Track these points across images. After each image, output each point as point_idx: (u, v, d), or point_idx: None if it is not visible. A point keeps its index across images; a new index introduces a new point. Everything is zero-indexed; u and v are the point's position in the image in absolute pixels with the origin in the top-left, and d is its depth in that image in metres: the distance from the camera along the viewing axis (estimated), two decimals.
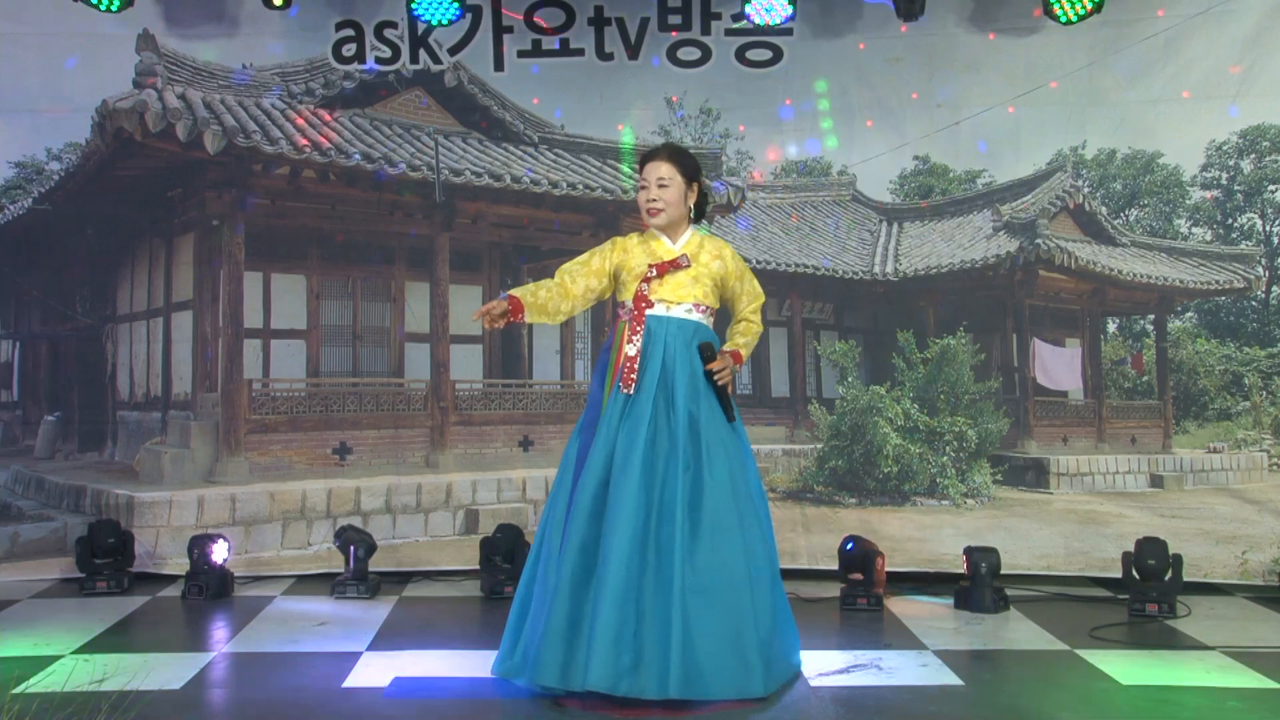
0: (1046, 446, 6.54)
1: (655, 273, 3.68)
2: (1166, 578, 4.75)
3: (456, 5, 5.40)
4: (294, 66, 6.13)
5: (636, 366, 3.61)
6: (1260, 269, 6.39)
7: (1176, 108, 5.72)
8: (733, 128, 6.11)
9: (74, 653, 4.09)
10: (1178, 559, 4.81)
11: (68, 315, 6.50)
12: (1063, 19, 5.31)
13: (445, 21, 5.44)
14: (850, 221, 6.93)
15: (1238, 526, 5.58)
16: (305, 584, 5.40)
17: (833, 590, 4.91)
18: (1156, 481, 6.20)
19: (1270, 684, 3.73)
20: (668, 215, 3.70)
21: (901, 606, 4.89)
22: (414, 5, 5.38)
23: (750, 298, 3.82)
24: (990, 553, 4.89)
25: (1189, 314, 6.76)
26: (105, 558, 5.22)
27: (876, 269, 6.81)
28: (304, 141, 6.02)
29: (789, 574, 4.28)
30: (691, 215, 3.78)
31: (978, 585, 4.83)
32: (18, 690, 3.51)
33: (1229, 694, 3.64)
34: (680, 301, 3.69)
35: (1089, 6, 5.24)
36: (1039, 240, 6.60)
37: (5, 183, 6.06)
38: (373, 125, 6.40)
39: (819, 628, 4.43)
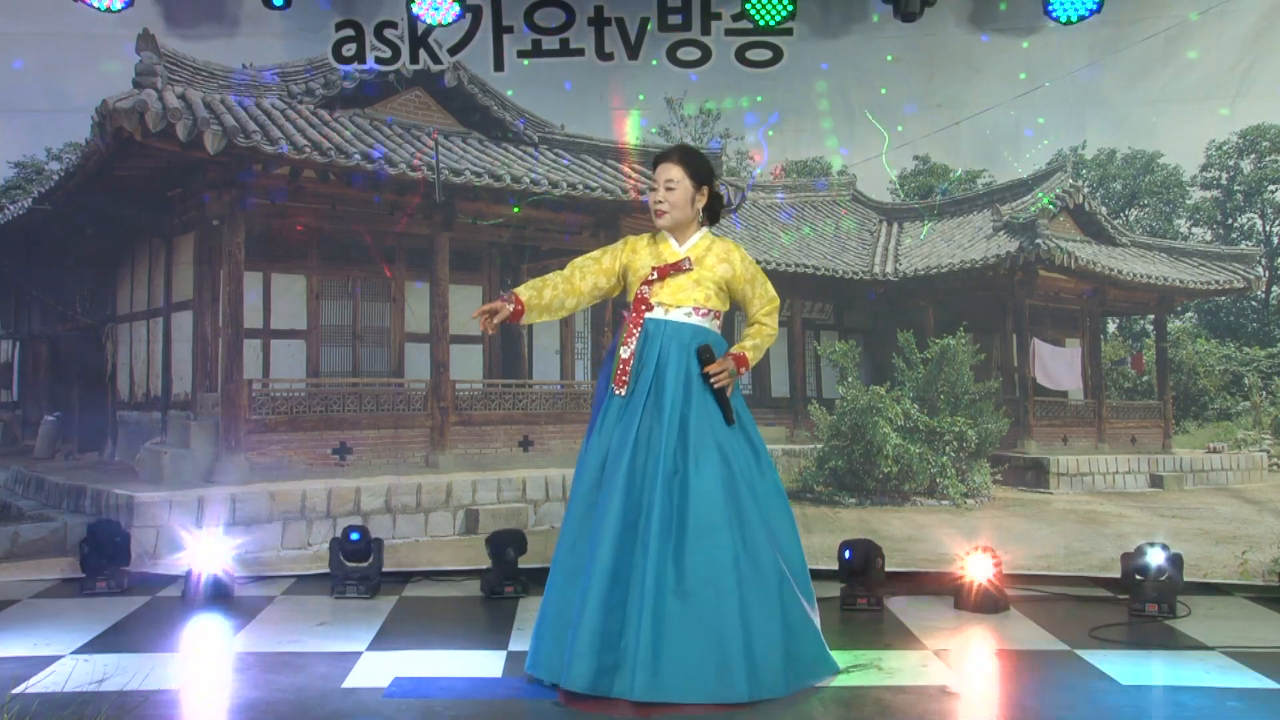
0: (1046, 446, 6.55)
1: (656, 275, 3.69)
2: (1166, 578, 4.75)
3: (457, 5, 5.40)
4: (294, 66, 6.13)
5: (629, 369, 3.64)
6: (1260, 269, 6.39)
7: (1176, 108, 5.72)
8: (733, 128, 6.11)
9: (74, 653, 4.09)
10: (1178, 559, 4.81)
11: (68, 315, 6.50)
12: (1063, 19, 5.31)
13: (445, 22, 5.45)
14: (850, 221, 6.93)
15: (1238, 526, 5.58)
16: (305, 584, 5.40)
17: (833, 590, 4.91)
18: (1156, 481, 6.20)
19: (1270, 684, 3.73)
20: (673, 217, 3.70)
21: (901, 606, 4.90)
22: (413, 5, 5.38)
23: (763, 301, 3.80)
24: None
25: (1189, 314, 6.76)
26: (108, 558, 5.22)
27: (876, 269, 6.81)
28: (304, 141, 6.03)
29: None
30: (704, 218, 3.79)
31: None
32: (18, 690, 3.51)
33: (1229, 694, 3.64)
34: (679, 304, 3.69)
35: (1089, 6, 5.24)
36: (1039, 240, 6.60)
37: (5, 183, 6.06)
38: (373, 125, 6.41)
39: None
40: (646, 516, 3.47)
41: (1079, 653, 4.14)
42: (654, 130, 6.05)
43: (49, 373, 6.65)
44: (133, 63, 5.73)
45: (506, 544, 5.22)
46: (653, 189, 3.73)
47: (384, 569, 5.29)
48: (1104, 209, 6.64)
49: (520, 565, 5.21)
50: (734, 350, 3.73)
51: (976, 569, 4.88)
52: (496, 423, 6.58)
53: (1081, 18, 5.30)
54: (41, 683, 3.67)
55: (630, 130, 6.12)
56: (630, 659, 3.36)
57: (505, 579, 5.12)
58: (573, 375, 6.99)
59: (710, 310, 3.72)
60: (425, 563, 5.71)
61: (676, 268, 3.69)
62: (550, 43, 5.74)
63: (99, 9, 5.32)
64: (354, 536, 5.19)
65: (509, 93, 6.14)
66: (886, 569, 4.99)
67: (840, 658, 3.87)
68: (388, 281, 6.69)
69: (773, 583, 3.53)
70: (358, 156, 6.11)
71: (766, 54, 5.77)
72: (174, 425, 6.27)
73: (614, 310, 3.94)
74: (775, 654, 3.48)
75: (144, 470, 6.08)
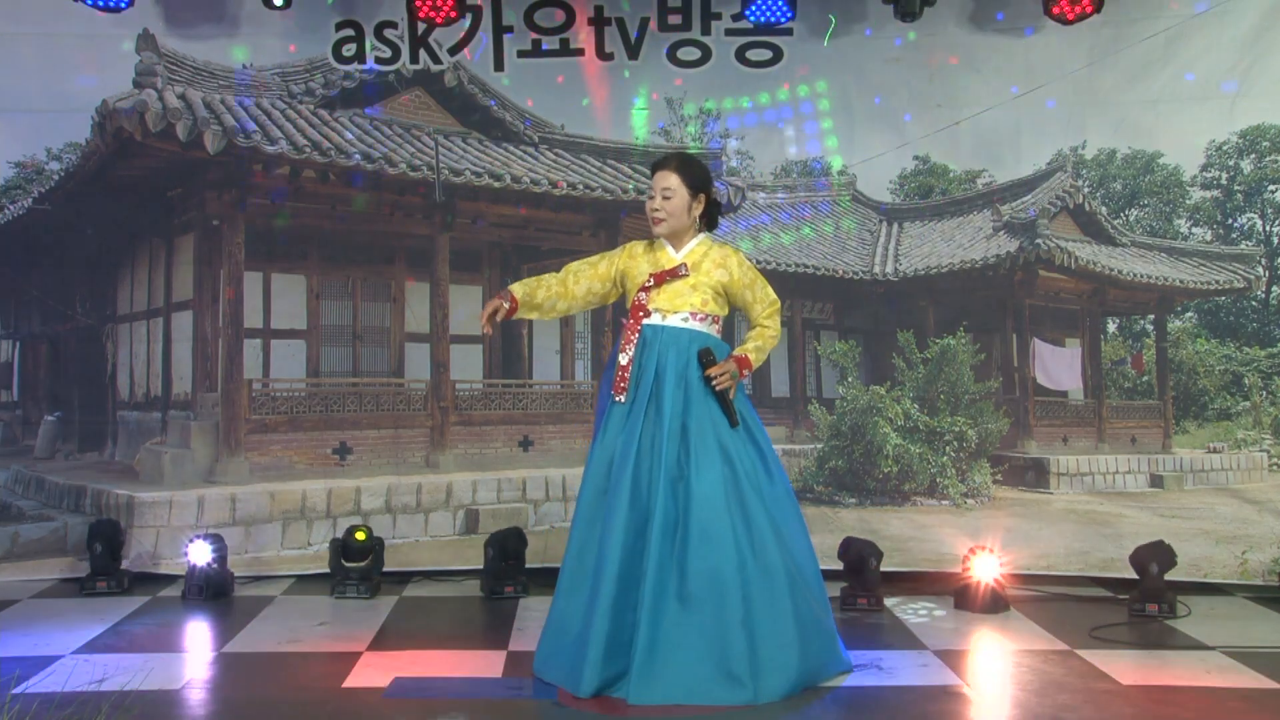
0: (1046, 446, 6.54)
1: (653, 282, 3.72)
2: (1166, 578, 4.75)
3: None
4: (294, 66, 6.13)
5: (628, 375, 3.67)
6: (1260, 269, 6.39)
7: (1176, 108, 5.72)
8: (733, 128, 6.11)
9: (74, 653, 4.09)
10: (1172, 555, 4.81)
11: (68, 315, 6.50)
12: (1063, 19, 5.31)
13: (445, 22, 5.45)
14: (850, 221, 6.92)
15: (1238, 526, 5.58)
16: (305, 584, 5.40)
17: (833, 590, 4.90)
18: (1156, 481, 6.20)
19: (1270, 684, 3.73)
20: (669, 225, 3.73)
21: (901, 606, 4.90)
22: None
23: (764, 304, 3.81)
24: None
25: (1189, 314, 6.76)
26: (111, 557, 5.23)
27: (876, 269, 6.81)
28: (304, 141, 6.03)
29: None
30: (701, 224, 3.80)
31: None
32: (18, 690, 3.51)
33: (1229, 694, 3.64)
34: (676, 310, 3.71)
35: (1089, 6, 5.24)
36: (1039, 240, 6.60)
37: (5, 183, 6.06)
38: (373, 125, 6.40)
39: None
40: (652, 523, 3.49)
41: (1079, 653, 4.14)
42: (643, 131, 6.05)
43: (49, 373, 6.65)
44: (133, 63, 5.73)
45: (506, 544, 5.22)
46: (650, 196, 3.76)
47: (384, 569, 5.30)
48: (1104, 209, 6.64)
49: (521, 565, 5.21)
50: (736, 352, 3.74)
51: (977, 569, 4.88)
52: (496, 423, 6.58)
53: (1081, 18, 5.29)
54: (41, 683, 3.67)
55: (630, 130, 6.12)
56: (636, 663, 3.38)
57: (505, 579, 5.12)
58: (573, 375, 6.99)
59: (708, 315, 3.74)
60: (425, 563, 5.71)
61: (673, 274, 3.72)
62: (550, 43, 5.74)
63: (99, 9, 5.32)
64: (357, 536, 5.21)
65: (505, 82, 6.09)
66: (888, 569, 4.99)
67: None
68: (388, 281, 6.68)
69: (783, 583, 3.52)
70: (358, 156, 6.11)
71: (766, 54, 5.77)
72: (174, 425, 6.27)
73: (614, 311, 3.95)
74: (788, 654, 3.48)
75: (144, 470, 6.08)
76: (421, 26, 5.65)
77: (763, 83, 5.84)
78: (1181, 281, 6.72)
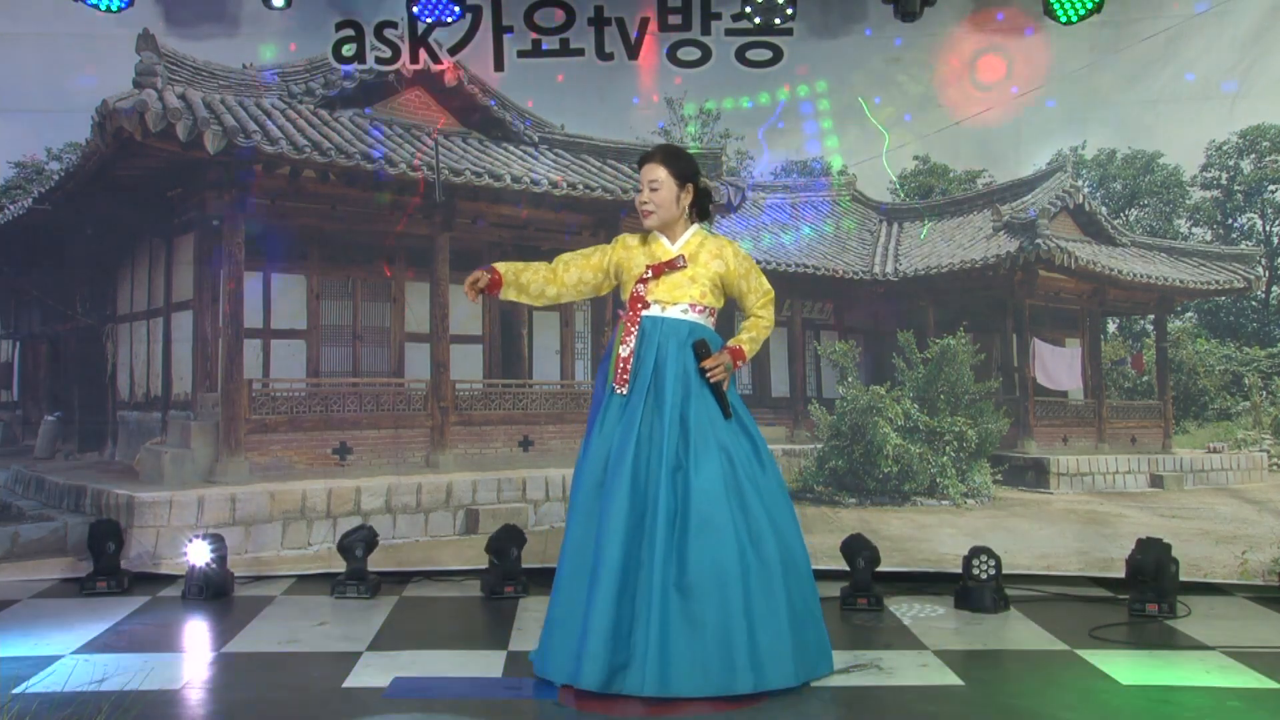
0: (1046, 446, 6.54)
1: (651, 274, 3.73)
2: (1166, 578, 4.75)
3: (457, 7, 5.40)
4: (294, 66, 6.13)
5: (629, 367, 3.66)
6: (1260, 269, 6.39)
7: (1176, 108, 5.72)
8: (733, 128, 6.11)
9: (74, 653, 4.09)
10: (1169, 553, 4.81)
11: (68, 315, 6.50)
12: (1063, 19, 5.31)
13: (445, 21, 5.45)
14: (850, 221, 6.92)
15: (1238, 526, 5.58)
16: (305, 584, 5.40)
17: (833, 590, 4.91)
18: (1156, 481, 6.20)
19: (1270, 684, 3.73)
20: (659, 217, 3.74)
21: (901, 606, 4.90)
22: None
23: (758, 294, 3.83)
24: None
25: (1189, 314, 6.76)
26: (112, 557, 5.23)
27: (876, 269, 6.81)
28: (303, 141, 6.03)
29: None
30: (692, 215, 3.81)
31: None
32: (18, 690, 3.52)
33: (1229, 694, 3.64)
34: (675, 302, 3.71)
35: (1089, 6, 5.24)
36: (1039, 240, 6.60)
37: (5, 183, 6.06)
38: (373, 125, 6.40)
39: None
40: (652, 513, 3.49)
41: (1079, 653, 4.14)
42: (653, 131, 6.05)
43: (49, 373, 6.65)
44: (133, 63, 5.73)
45: (507, 544, 5.22)
46: (639, 190, 3.76)
47: (384, 569, 5.30)
48: (1104, 209, 6.64)
49: (521, 565, 5.21)
50: (730, 344, 3.75)
51: (977, 569, 4.88)
52: (496, 423, 6.58)
53: (1081, 17, 5.29)
54: (41, 683, 3.67)
55: (630, 130, 6.12)
56: (639, 656, 3.38)
57: (505, 579, 5.12)
58: (573, 375, 6.99)
59: (706, 307, 3.75)
60: (425, 563, 5.71)
61: (671, 265, 3.72)
62: (550, 43, 5.74)
63: (99, 9, 5.31)
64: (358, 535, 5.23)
65: (502, 72, 6.10)
66: (888, 569, 4.99)
67: (840, 658, 3.87)
68: (388, 281, 6.68)
69: (778, 573, 3.54)
70: (358, 156, 6.11)
71: (766, 54, 5.77)
72: (174, 425, 6.26)
73: (614, 309, 3.95)
74: (782, 643, 3.49)
75: (144, 470, 6.08)
76: (421, 26, 5.65)
77: (763, 83, 5.84)
78: (1181, 281, 6.73)
